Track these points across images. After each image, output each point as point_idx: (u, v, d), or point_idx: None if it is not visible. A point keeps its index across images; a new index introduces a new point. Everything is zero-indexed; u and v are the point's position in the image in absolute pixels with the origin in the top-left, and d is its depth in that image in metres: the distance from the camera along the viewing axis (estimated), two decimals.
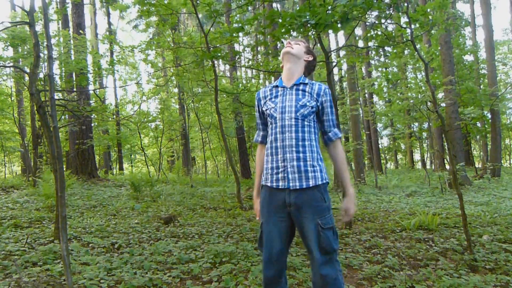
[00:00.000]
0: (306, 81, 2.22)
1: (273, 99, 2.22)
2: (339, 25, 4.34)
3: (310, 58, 2.30)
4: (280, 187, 2.09)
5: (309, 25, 4.49)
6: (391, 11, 5.00)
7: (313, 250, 2.03)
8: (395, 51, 7.08)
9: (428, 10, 4.86)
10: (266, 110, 2.22)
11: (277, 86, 2.25)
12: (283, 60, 2.27)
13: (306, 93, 2.16)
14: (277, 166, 2.11)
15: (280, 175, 2.09)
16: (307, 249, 2.10)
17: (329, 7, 4.22)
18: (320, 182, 2.07)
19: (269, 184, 2.14)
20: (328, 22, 4.19)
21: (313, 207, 2.04)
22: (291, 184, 2.05)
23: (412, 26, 4.74)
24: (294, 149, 2.08)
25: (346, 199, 2.16)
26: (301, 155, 2.07)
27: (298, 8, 4.60)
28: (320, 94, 2.17)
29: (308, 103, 2.13)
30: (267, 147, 2.19)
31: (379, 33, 5.57)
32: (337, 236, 2.08)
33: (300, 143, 2.09)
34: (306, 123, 2.12)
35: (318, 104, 2.16)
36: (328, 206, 2.08)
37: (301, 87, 2.19)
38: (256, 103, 2.34)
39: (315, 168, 2.08)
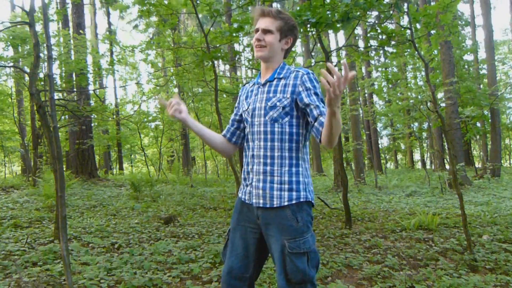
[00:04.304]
0: (283, 73, 1.79)
1: (248, 98, 1.89)
2: (338, 25, 4.35)
3: (290, 41, 1.82)
4: (246, 201, 1.81)
5: (309, 24, 4.49)
6: (391, 11, 5.00)
7: (277, 275, 1.70)
8: (394, 50, 7.09)
9: (431, 12, 4.86)
10: (242, 112, 1.93)
11: (255, 83, 1.92)
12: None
13: (279, 90, 1.75)
14: (245, 178, 1.84)
15: (247, 188, 1.82)
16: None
17: (329, 7, 4.23)
18: (286, 203, 1.69)
19: (239, 195, 1.88)
20: (329, 21, 4.19)
21: (280, 225, 1.69)
22: (254, 201, 1.76)
23: (414, 26, 4.75)
24: (261, 160, 1.75)
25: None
26: (268, 168, 1.73)
27: (298, 9, 4.61)
28: (297, 84, 1.72)
29: (278, 103, 1.72)
30: (244, 154, 1.88)
31: (379, 31, 5.58)
32: (315, 265, 1.70)
33: (269, 153, 1.73)
34: (277, 128, 1.72)
35: (295, 96, 1.72)
36: (302, 228, 1.68)
37: (274, 82, 1.79)
38: (238, 99, 1.99)
39: (283, 186, 1.71)
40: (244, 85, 1.99)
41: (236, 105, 1.98)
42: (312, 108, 1.67)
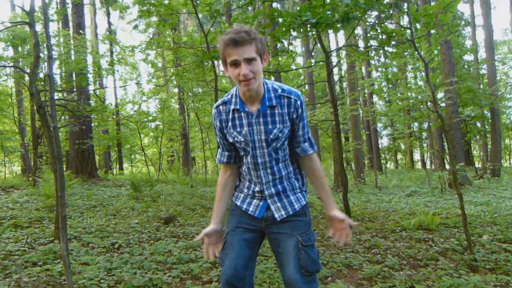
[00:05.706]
0: (273, 99, 1.75)
1: (237, 128, 1.80)
2: (339, 25, 4.35)
3: (267, 57, 1.76)
4: (256, 215, 1.87)
5: (309, 24, 4.49)
6: (391, 11, 5.00)
7: (290, 270, 1.76)
8: (394, 50, 7.09)
9: (431, 12, 4.85)
10: (233, 141, 1.85)
11: (238, 110, 1.79)
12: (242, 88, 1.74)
13: (277, 120, 1.76)
14: (254, 196, 1.90)
15: (261, 203, 1.88)
16: (282, 270, 1.82)
17: (330, 7, 4.22)
18: (304, 203, 1.88)
19: (244, 206, 1.91)
20: (329, 21, 4.19)
21: (293, 221, 1.82)
22: (276, 215, 1.83)
23: (414, 26, 4.74)
24: (271, 184, 1.83)
25: (337, 217, 1.85)
26: (279, 187, 1.85)
27: (298, 9, 4.61)
28: (291, 111, 1.77)
29: (280, 134, 1.77)
30: (243, 169, 1.91)
31: (379, 31, 5.58)
32: (318, 255, 1.85)
33: (277, 176, 1.84)
34: (280, 154, 1.82)
35: (291, 122, 1.80)
36: (309, 221, 1.87)
37: (268, 111, 1.75)
38: (215, 122, 1.88)
39: (297, 195, 1.88)
40: (217, 107, 1.85)
41: (217, 129, 1.88)
42: (300, 137, 1.85)
